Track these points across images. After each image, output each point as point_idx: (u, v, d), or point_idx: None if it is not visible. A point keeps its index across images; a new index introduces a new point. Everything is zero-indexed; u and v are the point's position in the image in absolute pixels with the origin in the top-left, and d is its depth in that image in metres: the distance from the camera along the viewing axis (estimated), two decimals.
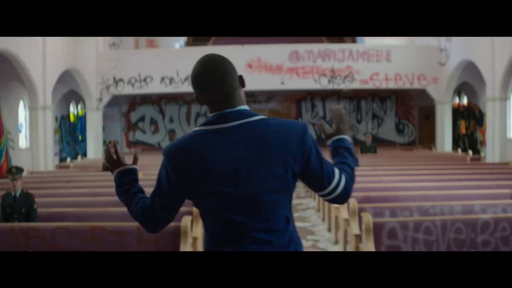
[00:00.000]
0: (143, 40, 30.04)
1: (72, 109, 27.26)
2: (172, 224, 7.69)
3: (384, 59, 24.12)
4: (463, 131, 26.76)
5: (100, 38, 24.24)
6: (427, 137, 28.52)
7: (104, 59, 23.84)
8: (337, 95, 29.20)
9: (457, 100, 27.01)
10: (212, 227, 3.10)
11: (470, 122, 25.92)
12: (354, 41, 30.71)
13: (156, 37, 29.74)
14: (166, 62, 23.81)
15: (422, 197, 10.22)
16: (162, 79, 23.80)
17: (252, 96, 28.86)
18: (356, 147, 22.20)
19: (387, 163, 17.67)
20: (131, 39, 28.62)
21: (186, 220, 7.69)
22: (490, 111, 19.24)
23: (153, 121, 29.19)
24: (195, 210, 8.73)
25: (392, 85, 24.29)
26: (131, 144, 29.03)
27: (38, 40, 18.70)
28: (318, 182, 3.13)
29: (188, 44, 31.48)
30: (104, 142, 25.05)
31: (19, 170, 8.70)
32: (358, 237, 8.74)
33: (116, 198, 9.94)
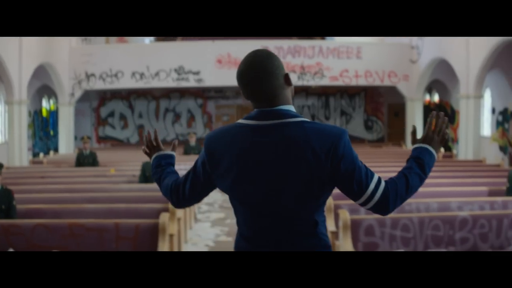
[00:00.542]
0: None
1: (44, 104, 26.99)
2: (150, 221, 7.73)
3: (355, 56, 24.14)
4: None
5: None
6: (396, 134, 28.62)
7: (77, 54, 23.60)
8: (306, 91, 29.17)
9: (427, 97, 27.09)
10: (241, 224, 3.15)
11: None
12: (324, 38, 30.74)
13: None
14: (137, 57, 23.68)
15: None
16: (133, 74, 23.64)
17: (220, 92, 28.77)
18: None
19: None
20: None
21: (163, 217, 7.63)
22: (464, 108, 19.39)
23: (122, 117, 29.02)
24: (171, 207, 8.67)
25: (362, 82, 24.35)
26: (101, 139, 28.80)
27: None
28: (349, 191, 3.03)
29: (158, 39, 31.33)
30: (76, 137, 24.85)
31: (0, 166, 8.56)
32: (335, 234, 8.70)
33: (93, 194, 9.93)
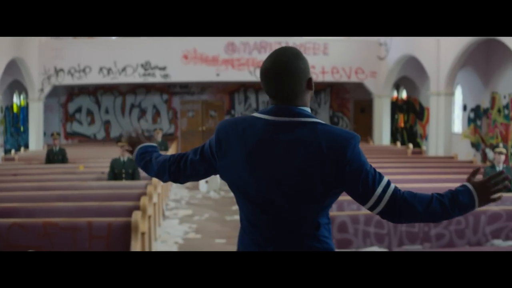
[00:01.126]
0: None
1: (15, 99, 26.66)
2: (122, 219, 7.67)
3: (321, 52, 24.14)
4: (402, 124, 27.05)
5: None
6: (362, 130, 28.66)
7: (46, 49, 23.27)
8: None
9: (395, 94, 27.21)
10: (244, 219, 3.12)
11: (409, 116, 26.20)
12: None
13: None
14: (104, 52, 23.44)
15: None
16: (100, 69, 23.40)
17: (186, 88, 28.62)
18: None
19: None
20: None
21: (136, 215, 7.56)
22: (434, 105, 19.48)
23: (89, 112, 28.66)
24: (142, 204, 8.65)
25: (328, 78, 24.35)
26: (68, 135, 28.48)
27: None
28: (357, 195, 2.99)
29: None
30: (45, 133, 24.55)
31: None
32: None
33: (64, 192, 9.83)
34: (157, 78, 23.43)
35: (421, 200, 2.96)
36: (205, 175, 3.29)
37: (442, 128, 19.03)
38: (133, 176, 12.46)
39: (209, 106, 28.93)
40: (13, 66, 21.29)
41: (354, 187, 2.94)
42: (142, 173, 13.17)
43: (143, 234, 8.26)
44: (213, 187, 18.00)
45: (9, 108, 25.89)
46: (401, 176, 11.85)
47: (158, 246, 10.82)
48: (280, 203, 2.93)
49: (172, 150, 20.55)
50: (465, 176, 11.81)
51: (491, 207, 8.27)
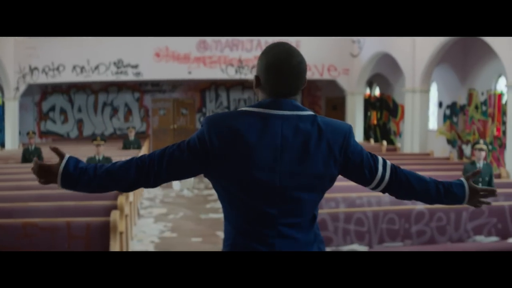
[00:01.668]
0: None
1: None
2: (101, 219, 7.67)
3: None
4: (374, 121, 27.13)
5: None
6: None
7: (22, 47, 22.95)
8: (242, 85, 29.06)
9: (368, 91, 27.27)
10: (237, 218, 3.03)
11: (382, 113, 26.27)
12: None
13: None
14: (78, 50, 23.14)
15: (346, 188, 10.13)
16: (74, 67, 23.12)
17: (157, 86, 28.50)
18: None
19: None
20: None
21: (114, 215, 7.57)
22: (409, 102, 19.51)
23: (62, 111, 28.39)
24: (120, 203, 8.62)
25: None
26: (43, 134, 28.20)
27: None
28: (362, 179, 3.18)
29: None
30: (20, 132, 24.29)
31: None
32: None
33: (42, 191, 9.76)
34: (129, 76, 23.28)
35: (419, 180, 3.22)
36: (186, 175, 3.14)
37: (418, 125, 19.07)
38: None
39: (180, 104, 28.80)
40: None
41: (360, 171, 3.13)
42: None
43: (121, 233, 8.23)
44: (186, 185, 17.94)
45: None
46: None
47: (135, 246, 10.76)
48: (287, 196, 2.94)
49: (144, 148, 20.44)
50: (443, 173, 11.87)
51: None
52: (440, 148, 20.75)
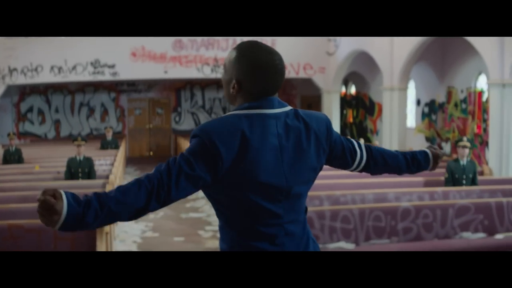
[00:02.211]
0: None
1: None
2: None
3: None
4: (351, 119, 27.19)
5: None
6: None
7: (1, 48, 22.74)
8: (217, 84, 29.02)
9: (343, 90, 27.32)
10: (244, 223, 2.96)
11: (358, 111, 26.32)
12: None
13: None
14: (56, 50, 22.94)
15: (330, 186, 10.17)
16: (52, 68, 22.91)
17: (133, 85, 28.40)
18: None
19: None
20: None
21: None
22: (387, 100, 19.49)
23: (40, 112, 28.20)
24: None
25: None
26: (21, 135, 28.00)
27: None
28: (345, 162, 3.37)
29: None
30: None
31: None
32: None
33: (24, 193, 9.76)
34: (106, 76, 23.14)
35: (390, 154, 3.54)
36: (197, 189, 2.91)
37: (396, 123, 19.08)
38: (90, 175, 12.48)
39: (155, 104, 28.79)
40: None
41: (342, 156, 3.31)
42: (98, 172, 13.07)
43: (106, 234, 8.18)
44: None
45: None
46: (358, 180, 11.00)
47: (118, 246, 10.75)
48: (296, 190, 2.97)
49: (122, 148, 20.38)
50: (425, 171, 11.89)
51: (459, 200, 8.36)
52: (419, 146, 20.73)
